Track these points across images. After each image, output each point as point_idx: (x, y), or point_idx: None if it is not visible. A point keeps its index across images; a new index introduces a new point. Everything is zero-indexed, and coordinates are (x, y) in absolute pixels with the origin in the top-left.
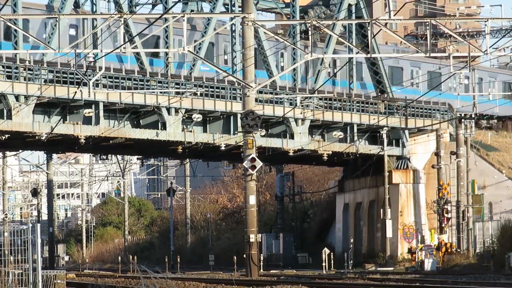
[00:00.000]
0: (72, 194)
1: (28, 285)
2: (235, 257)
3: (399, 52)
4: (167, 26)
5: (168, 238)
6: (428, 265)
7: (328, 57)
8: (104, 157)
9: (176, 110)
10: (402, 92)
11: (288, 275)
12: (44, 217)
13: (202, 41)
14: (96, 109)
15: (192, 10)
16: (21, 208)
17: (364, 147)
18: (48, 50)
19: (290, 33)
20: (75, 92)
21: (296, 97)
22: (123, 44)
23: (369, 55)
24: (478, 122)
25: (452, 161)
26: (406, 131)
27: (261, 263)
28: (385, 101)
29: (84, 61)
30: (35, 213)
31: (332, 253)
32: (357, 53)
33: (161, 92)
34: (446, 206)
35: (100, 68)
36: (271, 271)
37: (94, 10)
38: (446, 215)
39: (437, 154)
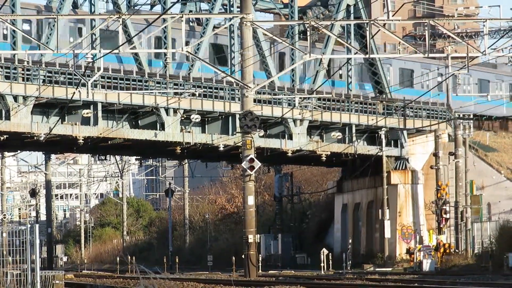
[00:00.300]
0: (71, 195)
1: (26, 286)
2: (233, 258)
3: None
4: (165, 27)
5: (166, 238)
6: (426, 265)
7: (327, 57)
8: (103, 157)
9: (175, 111)
10: (413, 93)
11: (286, 275)
12: (43, 217)
13: (200, 42)
14: (95, 109)
15: (190, 11)
16: (19, 209)
17: (362, 147)
18: (46, 50)
19: (289, 33)
20: (74, 93)
21: (294, 97)
22: (121, 44)
23: (367, 56)
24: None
25: (451, 161)
26: (405, 132)
27: (260, 264)
28: (384, 102)
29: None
30: (33, 213)
31: (330, 254)
32: (355, 53)
33: (159, 93)
34: (444, 207)
35: (99, 69)
36: (270, 272)
37: (93, 10)
38: (444, 215)
39: (435, 154)
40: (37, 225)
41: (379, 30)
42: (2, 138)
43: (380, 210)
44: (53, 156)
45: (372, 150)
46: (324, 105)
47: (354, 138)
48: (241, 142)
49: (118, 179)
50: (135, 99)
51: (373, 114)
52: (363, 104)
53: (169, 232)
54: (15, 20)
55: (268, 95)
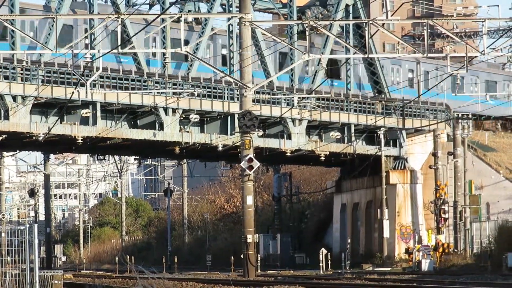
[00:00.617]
0: (70, 195)
1: (25, 286)
2: (232, 258)
3: None
4: (164, 27)
5: (165, 238)
6: (425, 265)
7: (325, 57)
8: (102, 157)
9: (174, 111)
10: (427, 95)
11: (285, 275)
12: (42, 217)
13: (199, 42)
14: (94, 109)
15: (189, 11)
16: (18, 209)
17: (361, 147)
18: (45, 50)
19: (288, 33)
20: (72, 93)
21: (293, 97)
22: (120, 44)
23: (366, 56)
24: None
25: (450, 161)
26: (404, 132)
27: (259, 264)
28: (382, 102)
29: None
30: (32, 213)
31: (329, 254)
32: (354, 53)
33: (158, 93)
34: (443, 207)
35: (98, 69)
36: (269, 272)
37: (92, 10)
38: (443, 215)
39: (434, 154)
40: (35, 225)
41: (378, 30)
42: (1, 138)
43: (379, 210)
44: (52, 156)
45: (371, 150)
46: (323, 105)
47: (353, 138)
48: (240, 142)
49: (117, 179)
50: (134, 99)
51: (372, 114)
52: (362, 104)
53: (168, 232)
54: (14, 20)
55: (267, 95)
